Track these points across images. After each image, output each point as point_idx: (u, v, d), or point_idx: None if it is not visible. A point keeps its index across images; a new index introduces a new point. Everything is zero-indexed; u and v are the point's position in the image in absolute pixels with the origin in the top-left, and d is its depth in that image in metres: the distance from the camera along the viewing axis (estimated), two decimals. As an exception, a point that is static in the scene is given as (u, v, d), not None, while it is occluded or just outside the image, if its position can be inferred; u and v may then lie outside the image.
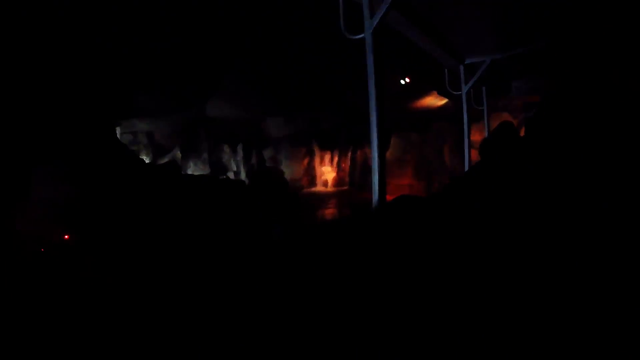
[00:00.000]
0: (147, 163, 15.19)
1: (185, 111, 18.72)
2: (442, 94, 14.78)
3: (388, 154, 18.30)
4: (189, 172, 20.47)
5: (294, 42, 16.24)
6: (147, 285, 6.31)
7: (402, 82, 15.41)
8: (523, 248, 6.42)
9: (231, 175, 21.08)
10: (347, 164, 19.02)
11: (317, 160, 19.42)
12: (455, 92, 11.48)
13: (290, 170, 20.12)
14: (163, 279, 6.62)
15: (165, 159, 20.39)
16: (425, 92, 15.74)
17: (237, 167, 21.01)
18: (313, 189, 19.10)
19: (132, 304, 5.57)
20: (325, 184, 19.10)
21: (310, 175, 19.38)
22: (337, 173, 19.17)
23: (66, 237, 8.30)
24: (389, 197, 14.51)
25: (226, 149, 21.01)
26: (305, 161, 19.49)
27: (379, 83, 5.59)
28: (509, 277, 5.96)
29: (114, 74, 14.47)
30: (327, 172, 19.30)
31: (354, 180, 18.79)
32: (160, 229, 10.60)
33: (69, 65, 12.30)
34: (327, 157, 19.36)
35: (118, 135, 19.29)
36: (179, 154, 20.64)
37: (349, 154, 18.97)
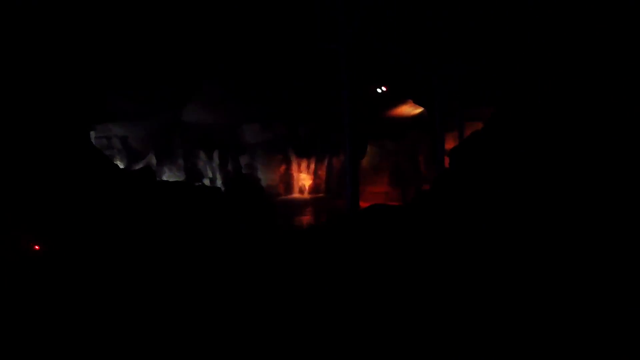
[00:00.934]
0: (121, 169, 14.92)
1: (161, 115, 18.51)
2: (417, 102, 15.03)
3: (364, 162, 18.45)
4: (164, 178, 20.15)
5: (272, 49, 16.28)
6: (118, 293, 6.17)
7: (379, 90, 15.61)
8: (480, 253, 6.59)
9: (207, 181, 20.86)
10: (323, 171, 19.10)
11: (293, 167, 19.44)
12: (428, 102, 11.67)
13: (266, 177, 20.05)
14: (134, 286, 6.51)
15: (140, 165, 20.05)
16: (401, 101, 15.97)
17: (213, 173, 20.81)
18: (289, 196, 19.09)
19: (101, 312, 5.38)
20: (301, 191, 19.12)
21: (287, 182, 19.38)
22: (314, 180, 19.22)
23: (36, 247, 7.95)
24: (364, 204, 14.61)
25: (202, 155, 20.77)
26: (282, 168, 19.48)
27: (353, 93, 5.69)
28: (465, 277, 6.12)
29: (88, 74, 14.20)
30: (303, 179, 19.33)
31: (330, 187, 18.87)
32: (133, 237, 10.40)
33: (40, 65, 12.01)
34: (304, 164, 19.39)
35: (92, 140, 18.90)
36: (153, 160, 20.30)
37: (326, 161, 19.06)
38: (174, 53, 14.86)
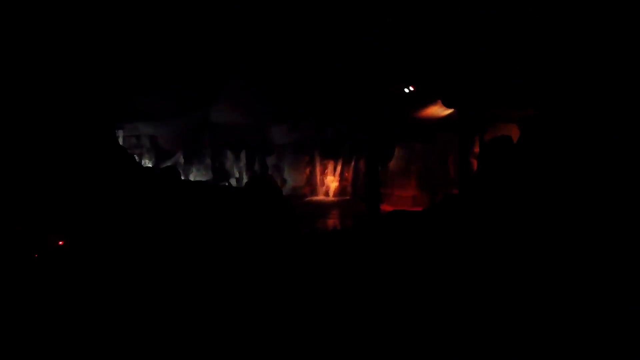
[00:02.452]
0: (146, 167, 15.05)
1: (189, 115, 18.61)
2: (446, 103, 14.40)
3: (392, 164, 17.92)
4: (191, 177, 20.29)
5: (300, 48, 16.02)
6: (141, 289, 6.57)
7: (407, 90, 15.06)
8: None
9: (233, 182, 20.87)
10: (350, 174, 18.68)
11: (319, 169, 19.12)
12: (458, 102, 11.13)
13: (292, 178, 19.83)
14: (155, 283, 6.85)
15: (168, 164, 20.26)
16: (430, 101, 15.36)
17: (240, 173, 20.79)
18: (314, 198, 18.77)
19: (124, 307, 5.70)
20: (327, 193, 18.77)
21: (312, 184, 19.07)
22: (340, 182, 18.83)
23: (60, 242, 8.28)
24: (390, 208, 14.03)
25: (229, 155, 20.81)
26: (308, 170, 19.20)
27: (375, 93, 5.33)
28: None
29: (115, 75, 14.38)
30: (329, 181, 18.97)
31: (356, 190, 18.42)
32: (154, 234, 10.37)
33: (69, 66, 12.20)
34: (330, 166, 19.04)
35: (121, 139, 19.24)
36: (181, 159, 20.49)
37: (352, 163, 18.63)
38: (198, 52, 14.85)
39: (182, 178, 19.55)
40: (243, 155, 20.55)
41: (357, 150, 18.41)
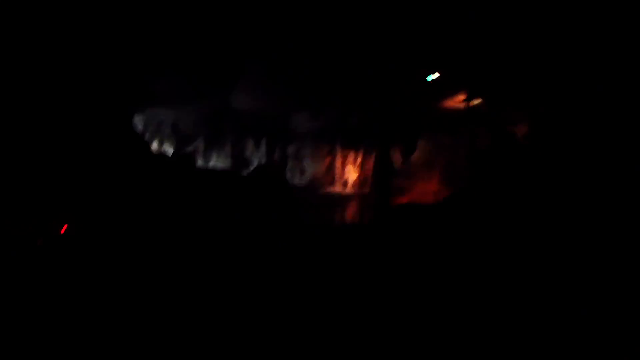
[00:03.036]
0: (159, 154, 14.86)
1: (209, 101, 18.36)
2: (472, 93, 13.38)
3: (415, 157, 17.02)
4: (212, 164, 20.11)
5: (321, 30, 15.31)
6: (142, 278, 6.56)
7: (431, 77, 14.12)
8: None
9: (252, 169, 20.51)
10: (370, 165, 17.86)
11: (340, 159, 18.39)
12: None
13: (311, 168, 19.23)
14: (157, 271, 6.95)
15: (189, 150, 20.14)
16: (457, 90, 14.36)
17: (260, 161, 20.39)
18: (331, 190, 18.10)
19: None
20: (345, 184, 18.05)
21: (332, 175, 18.38)
22: (360, 174, 18.04)
23: (64, 226, 8.25)
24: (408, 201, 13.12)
25: (250, 142, 20.44)
26: (328, 160, 18.53)
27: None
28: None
29: (130, 58, 14.16)
30: (348, 173, 18.22)
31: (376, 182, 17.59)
32: (159, 220, 10.18)
33: (81, 49, 12.02)
34: (351, 156, 18.28)
35: (141, 125, 19.24)
36: (202, 145, 20.30)
37: (374, 154, 17.79)
38: (214, 34, 14.42)
39: (201, 164, 19.37)
40: (263, 143, 20.13)
41: (380, 139, 17.54)
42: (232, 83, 17.66)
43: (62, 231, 8.17)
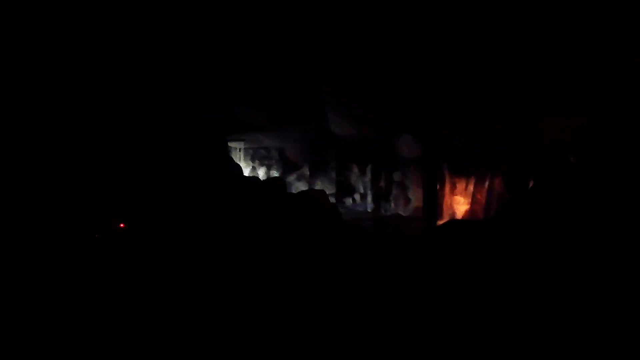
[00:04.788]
0: (243, 176, 14.90)
1: (305, 127, 18.12)
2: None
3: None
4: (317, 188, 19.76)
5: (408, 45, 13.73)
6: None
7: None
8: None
9: (357, 196, 19.52)
10: (483, 195, 15.23)
11: (447, 187, 16.15)
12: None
13: (415, 197, 17.39)
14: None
15: (294, 176, 20.15)
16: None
17: (364, 188, 19.32)
18: (437, 222, 15.90)
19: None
20: (453, 217, 15.67)
21: (439, 205, 16.17)
22: (471, 205, 15.53)
23: (121, 225, 9.30)
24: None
25: (355, 169, 19.58)
26: (433, 188, 16.39)
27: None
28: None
29: (219, 87, 14.66)
30: (457, 203, 15.84)
31: (489, 215, 14.85)
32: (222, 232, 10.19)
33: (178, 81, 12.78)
34: (461, 184, 15.90)
35: (247, 151, 19.93)
36: (307, 171, 20.15)
37: (487, 183, 15.14)
38: (292, 59, 14.06)
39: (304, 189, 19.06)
40: (369, 170, 19.06)
41: (491, 164, 14.87)
42: (314, 108, 16.98)
43: (117, 228, 9.19)
